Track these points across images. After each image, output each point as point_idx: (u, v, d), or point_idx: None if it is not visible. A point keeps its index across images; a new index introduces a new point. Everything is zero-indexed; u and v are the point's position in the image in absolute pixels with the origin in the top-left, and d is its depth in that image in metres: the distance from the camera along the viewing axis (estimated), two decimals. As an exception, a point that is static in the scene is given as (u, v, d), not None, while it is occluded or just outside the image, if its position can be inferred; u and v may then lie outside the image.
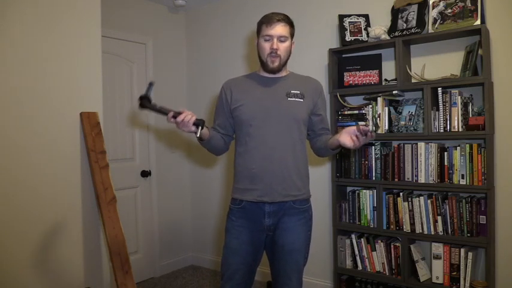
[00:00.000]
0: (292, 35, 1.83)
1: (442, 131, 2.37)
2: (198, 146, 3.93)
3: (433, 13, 2.45)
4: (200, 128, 1.68)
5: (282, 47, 1.78)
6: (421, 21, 2.49)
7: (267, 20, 1.77)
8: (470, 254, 2.31)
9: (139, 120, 3.52)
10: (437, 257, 2.41)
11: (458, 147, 2.34)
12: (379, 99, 2.60)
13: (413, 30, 2.51)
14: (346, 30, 2.77)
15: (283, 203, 1.77)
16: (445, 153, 2.38)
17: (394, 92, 2.56)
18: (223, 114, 1.89)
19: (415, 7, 2.54)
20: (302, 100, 1.81)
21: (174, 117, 1.64)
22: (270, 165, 1.75)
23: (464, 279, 2.32)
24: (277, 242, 1.78)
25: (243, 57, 3.51)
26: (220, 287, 1.84)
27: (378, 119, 2.59)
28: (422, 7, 2.51)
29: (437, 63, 2.55)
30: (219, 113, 1.91)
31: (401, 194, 2.54)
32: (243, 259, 1.79)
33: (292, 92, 1.80)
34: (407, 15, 2.56)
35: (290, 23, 1.81)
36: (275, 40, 1.75)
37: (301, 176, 1.82)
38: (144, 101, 1.64)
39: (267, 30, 1.76)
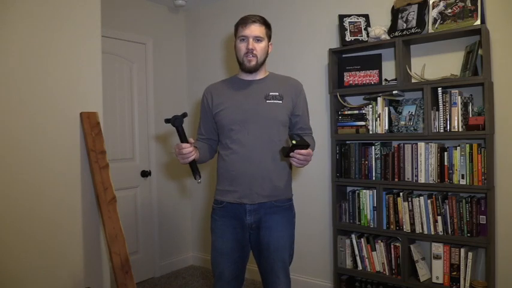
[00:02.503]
0: (269, 36, 1.86)
1: (442, 131, 2.37)
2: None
3: (433, 13, 2.45)
4: (197, 176, 1.75)
5: (258, 47, 1.80)
6: (421, 21, 2.49)
7: (243, 22, 1.81)
8: (470, 254, 2.31)
9: (140, 120, 3.52)
10: (437, 257, 2.41)
11: (458, 147, 2.34)
12: (379, 99, 2.60)
13: (413, 30, 2.51)
14: (346, 30, 2.77)
15: (264, 203, 1.80)
16: (445, 153, 2.38)
17: (394, 92, 2.56)
18: (207, 120, 1.92)
19: (415, 7, 2.54)
20: (281, 102, 1.83)
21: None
22: (249, 168, 1.78)
23: (464, 279, 2.32)
24: (262, 241, 1.80)
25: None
26: (213, 286, 1.89)
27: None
28: (422, 7, 2.51)
29: (437, 63, 2.55)
30: (203, 119, 1.95)
31: (401, 194, 2.54)
32: (229, 257, 1.82)
33: (270, 94, 1.82)
34: (408, 15, 2.56)
35: (266, 24, 1.84)
36: (250, 40, 1.78)
37: (281, 177, 1.84)
38: (178, 121, 1.65)
39: (243, 31, 1.80)
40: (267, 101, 1.81)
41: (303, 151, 1.58)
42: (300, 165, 1.64)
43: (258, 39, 1.79)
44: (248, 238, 1.84)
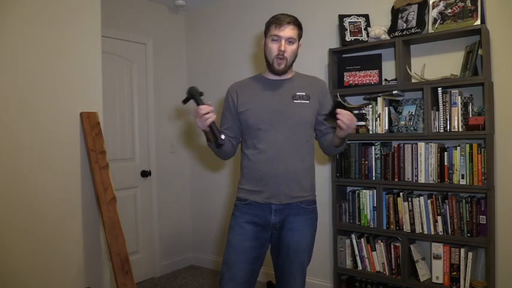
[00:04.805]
0: (300, 36, 1.82)
1: (442, 131, 2.37)
2: (198, 146, 3.92)
3: (433, 13, 2.45)
4: (222, 135, 1.69)
5: (290, 50, 1.77)
6: (421, 21, 2.49)
7: (277, 21, 1.76)
8: (470, 254, 2.31)
9: (140, 120, 3.52)
10: (437, 257, 2.41)
11: (458, 147, 2.34)
12: (379, 99, 2.60)
13: (413, 30, 2.51)
14: (346, 30, 2.77)
15: (290, 204, 1.78)
16: (445, 153, 2.38)
17: (394, 92, 2.56)
18: (231, 118, 1.88)
19: (415, 7, 2.54)
20: (308, 102, 1.81)
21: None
22: (276, 168, 1.76)
23: (464, 279, 2.32)
24: (283, 242, 1.79)
25: (243, 57, 3.51)
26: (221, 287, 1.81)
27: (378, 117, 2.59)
28: (422, 7, 2.51)
29: (437, 63, 2.55)
30: (226, 116, 1.90)
31: (401, 194, 2.54)
32: (246, 256, 1.77)
33: (298, 94, 1.80)
34: (408, 15, 2.56)
35: (299, 25, 1.81)
36: (283, 42, 1.74)
37: (308, 177, 1.84)
38: (195, 90, 1.67)
39: (276, 31, 1.75)
40: (295, 101, 1.79)
41: (346, 112, 1.60)
42: (346, 127, 1.61)
43: (290, 41, 1.76)
44: (269, 238, 1.81)
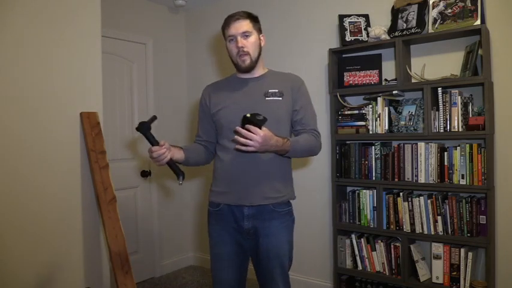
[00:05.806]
0: (257, 29, 1.79)
1: (442, 131, 2.37)
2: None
3: (433, 13, 2.45)
4: (180, 176, 1.70)
5: (248, 43, 1.74)
6: (421, 21, 2.49)
7: (226, 22, 1.77)
8: (470, 254, 2.31)
9: (140, 120, 3.51)
10: (437, 257, 2.41)
11: (458, 147, 2.34)
12: (379, 99, 2.60)
13: (413, 30, 2.51)
14: (346, 30, 2.77)
15: (263, 206, 1.73)
16: (445, 153, 2.38)
17: (394, 92, 2.56)
18: (205, 121, 1.88)
19: (415, 7, 2.54)
20: (281, 98, 1.76)
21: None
22: (248, 168, 1.73)
23: (464, 279, 2.32)
24: (261, 248, 1.75)
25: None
26: None
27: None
28: (422, 7, 2.51)
29: (437, 63, 2.55)
30: (201, 119, 1.91)
31: (401, 194, 2.54)
32: (231, 262, 1.78)
33: (270, 91, 1.77)
34: (408, 15, 2.56)
35: (251, 18, 1.77)
36: (238, 38, 1.73)
37: (282, 177, 1.79)
38: (144, 127, 1.65)
39: (229, 31, 1.75)
40: (267, 98, 1.75)
41: (242, 130, 1.48)
42: (244, 148, 1.52)
43: (245, 34, 1.73)
44: (248, 242, 1.79)
